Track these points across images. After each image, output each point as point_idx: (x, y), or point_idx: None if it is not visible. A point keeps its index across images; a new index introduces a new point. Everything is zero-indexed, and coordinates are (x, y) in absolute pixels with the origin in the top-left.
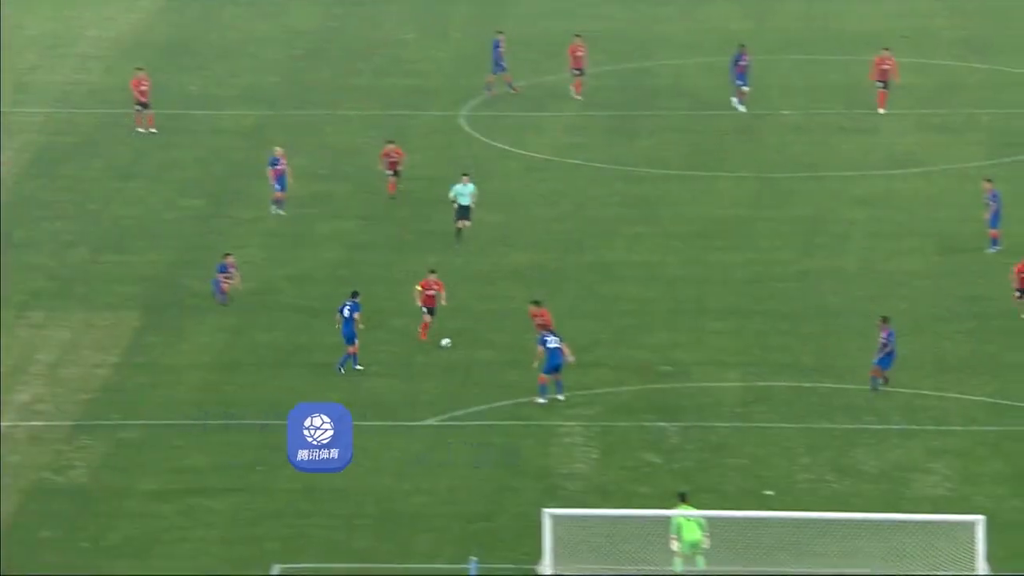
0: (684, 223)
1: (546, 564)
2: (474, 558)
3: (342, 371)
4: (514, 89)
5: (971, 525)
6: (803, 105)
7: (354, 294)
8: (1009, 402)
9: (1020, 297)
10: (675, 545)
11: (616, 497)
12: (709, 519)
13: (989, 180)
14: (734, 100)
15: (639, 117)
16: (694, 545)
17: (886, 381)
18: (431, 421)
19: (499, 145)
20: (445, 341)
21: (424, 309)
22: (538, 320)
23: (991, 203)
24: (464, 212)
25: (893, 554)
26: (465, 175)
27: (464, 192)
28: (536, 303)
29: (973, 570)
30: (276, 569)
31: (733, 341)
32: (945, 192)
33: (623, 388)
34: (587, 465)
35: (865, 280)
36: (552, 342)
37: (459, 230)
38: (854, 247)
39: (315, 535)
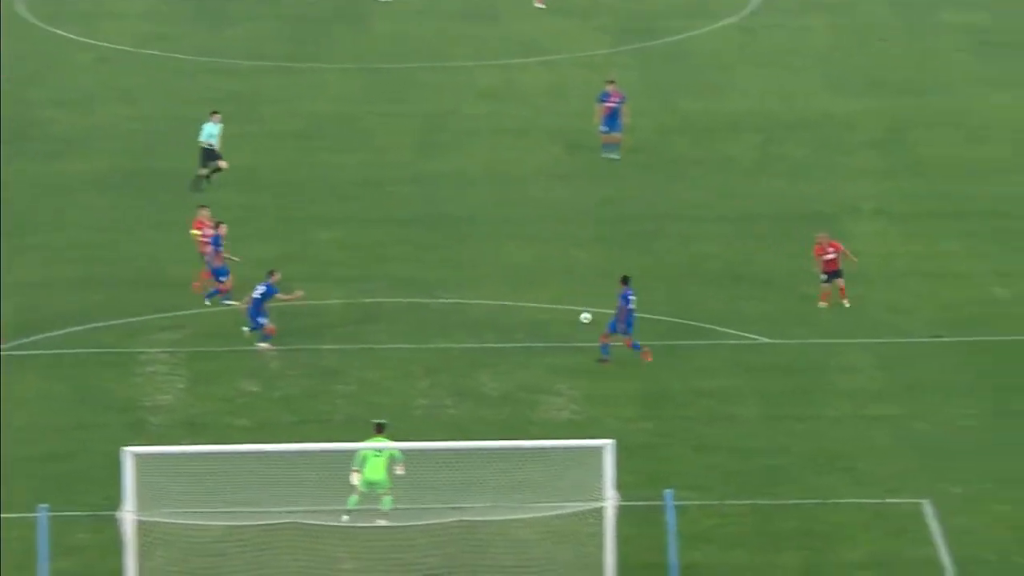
0: (285, 121)
1: (127, 510)
2: (44, 505)
3: None
4: None
5: (599, 450)
6: None
7: None
8: (642, 315)
9: (826, 282)
10: (355, 479)
11: (209, 431)
12: (314, 452)
13: (611, 81)
14: None
15: (229, 1)
16: (373, 484)
17: (639, 350)
18: None
19: (65, 34)
20: (585, 316)
21: None
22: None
23: (609, 103)
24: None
25: (517, 485)
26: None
27: (213, 131)
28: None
29: (602, 498)
30: None
31: (343, 252)
32: (571, 83)
33: (216, 308)
34: (174, 396)
35: (489, 182)
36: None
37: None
38: (476, 145)
39: None
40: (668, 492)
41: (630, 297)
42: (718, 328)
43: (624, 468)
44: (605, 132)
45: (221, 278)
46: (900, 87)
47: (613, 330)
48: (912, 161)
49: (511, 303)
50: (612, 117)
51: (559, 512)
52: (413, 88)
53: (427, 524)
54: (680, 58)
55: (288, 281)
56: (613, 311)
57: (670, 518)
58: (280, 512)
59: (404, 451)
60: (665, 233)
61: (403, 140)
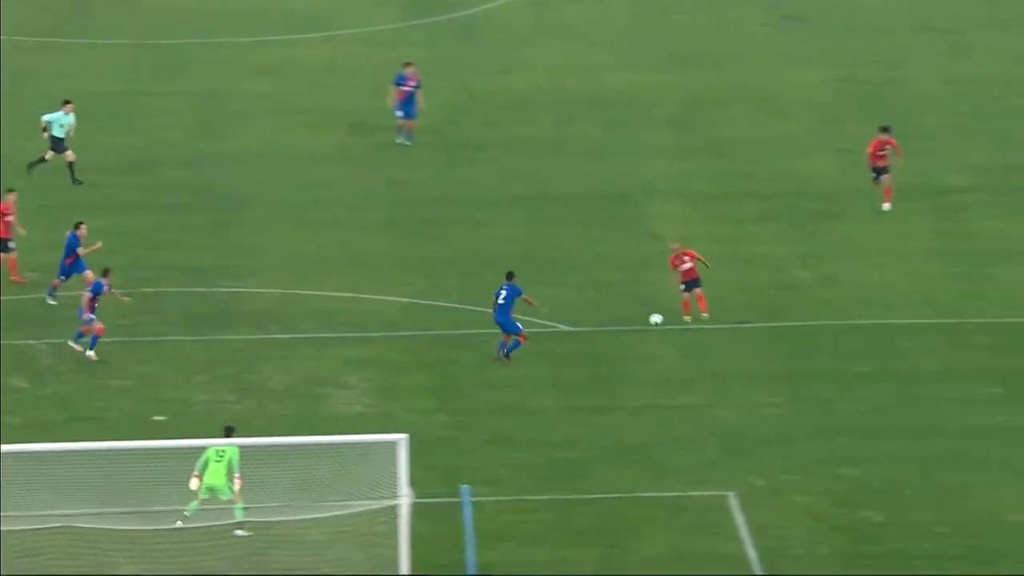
0: (51, 100)
1: None
2: None
3: None
4: None
5: (392, 445)
6: None
7: None
8: (433, 302)
9: (686, 291)
10: (195, 483)
11: None
12: (86, 452)
13: (409, 64)
14: None
15: None
16: (213, 490)
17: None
18: None
19: None
20: (656, 318)
21: None
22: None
23: (406, 87)
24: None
25: (305, 483)
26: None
27: (65, 122)
28: None
29: (395, 495)
30: None
31: (115, 239)
32: (355, 60)
33: None
34: None
35: (270, 164)
36: None
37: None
38: (256, 126)
39: None
40: (464, 488)
41: (503, 293)
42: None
43: (418, 464)
44: (401, 118)
45: (62, 277)
46: (700, 62)
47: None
48: (712, 139)
49: (296, 291)
50: (408, 102)
51: (351, 511)
52: (186, 65)
53: (211, 526)
54: (472, 33)
55: (49, 272)
56: (399, 300)
57: (467, 515)
58: (54, 516)
59: (180, 449)
60: (456, 218)
61: (177, 120)
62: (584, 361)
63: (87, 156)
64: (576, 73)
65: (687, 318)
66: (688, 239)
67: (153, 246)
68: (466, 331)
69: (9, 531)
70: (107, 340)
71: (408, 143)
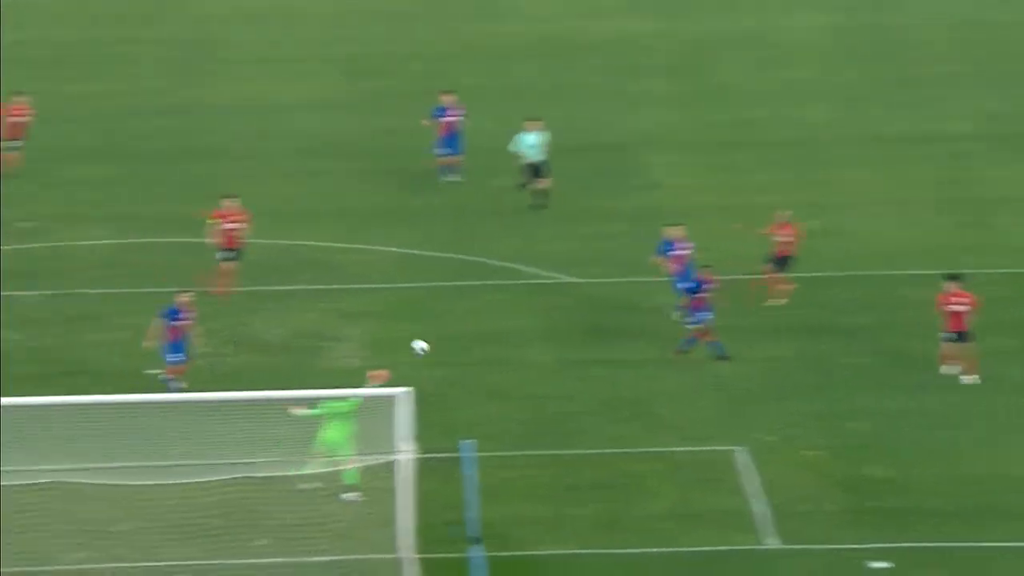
0: (30, 49)
1: None
2: None
3: None
4: None
5: (392, 399)
6: None
7: None
8: (425, 252)
9: (777, 271)
10: (299, 411)
11: None
12: (81, 405)
13: (449, 92)
14: None
15: None
16: (331, 444)
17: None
18: None
19: None
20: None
21: None
22: None
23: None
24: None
25: (304, 438)
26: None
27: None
28: None
29: (395, 451)
30: None
31: (99, 191)
32: (347, 6)
33: None
34: None
35: (255, 113)
36: None
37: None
38: (244, 73)
39: None
40: (466, 443)
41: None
42: (513, 266)
43: (415, 418)
44: (444, 155)
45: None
46: (699, 6)
47: None
48: (711, 86)
49: (290, 242)
50: (452, 136)
51: (352, 466)
52: (169, 11)
53: (207, 481)
54: None
55: (46, 221)
56: (395, 250)
57: (468, 471)
58: (45, 471)
59: (184, 403)
60: (460, 169)
61: (162, 68)
62: (583, 313)
63: (63, 105)
64: (571, 19)
65: (773, 300)
66: (685, 189)
67: (141, 197)
68: (461, 283)
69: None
70: (93, 291)
71: (458, 179)
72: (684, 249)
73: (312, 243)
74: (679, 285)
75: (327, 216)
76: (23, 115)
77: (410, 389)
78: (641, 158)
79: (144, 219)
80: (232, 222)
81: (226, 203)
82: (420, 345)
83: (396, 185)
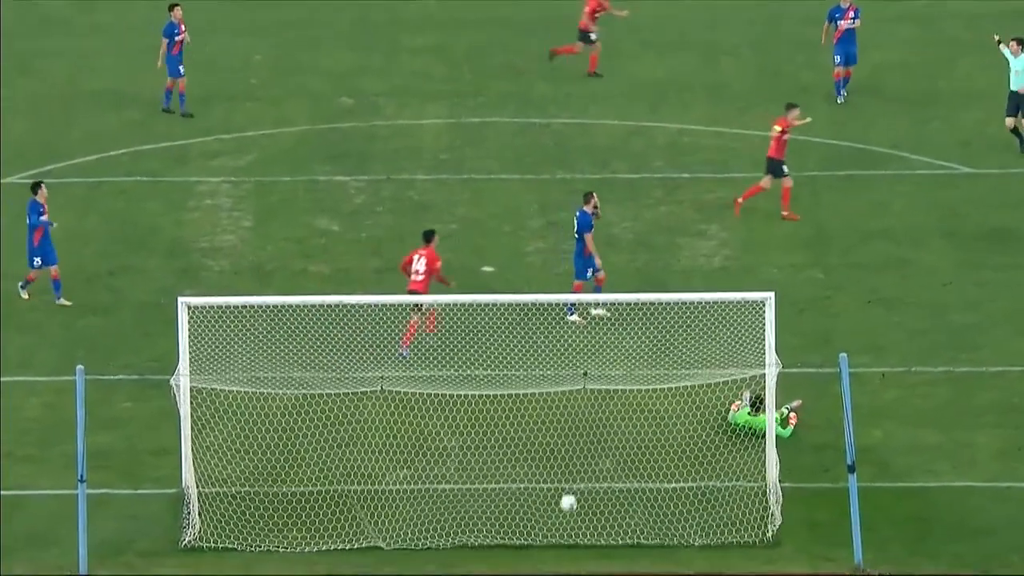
0: None
1: (181, 374)
2: (80, 366)
3: None
4: None
5: (757, 305)
6: None
7: None
8: (810, 138)
9: None
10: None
11: (279, 277)
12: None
13: None
14: None
15: None
16: (753, 425)
17: None
18: None
19: None
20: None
21: None
22: None
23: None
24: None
25: (656, 347)
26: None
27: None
28: None
29: (760, 364)
30: None
31: (437, 62)
32: None
33: (284, 129)
34: (237, 235)
35: None
36: None
37: None
38: None
39: None
40: (843, 356)
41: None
42: (902, 154)
43: (785, 328)
44: (841, 65)
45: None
46: None
47: None
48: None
49: (642, 123)
50: (848, 41)
51: (708, 381)
52: None
53: (544, 393)
54: None
55: (367, 97)
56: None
57: (845, 388)
58: (365, 378)
59: (516, 305)
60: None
61: None
62: (983, 209)
63: None
64: None
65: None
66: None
67: (484, 72)
68: (842, 172)
69: (314, 395)
70: (426, 178)
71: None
72: None
73: (666, 125)
74: None
75: (694, 95)
76: None
77: (773, 293)
78: None
79: (488, 96)
80: None
81: None
82: (569, 501)
83: (772, 64)
